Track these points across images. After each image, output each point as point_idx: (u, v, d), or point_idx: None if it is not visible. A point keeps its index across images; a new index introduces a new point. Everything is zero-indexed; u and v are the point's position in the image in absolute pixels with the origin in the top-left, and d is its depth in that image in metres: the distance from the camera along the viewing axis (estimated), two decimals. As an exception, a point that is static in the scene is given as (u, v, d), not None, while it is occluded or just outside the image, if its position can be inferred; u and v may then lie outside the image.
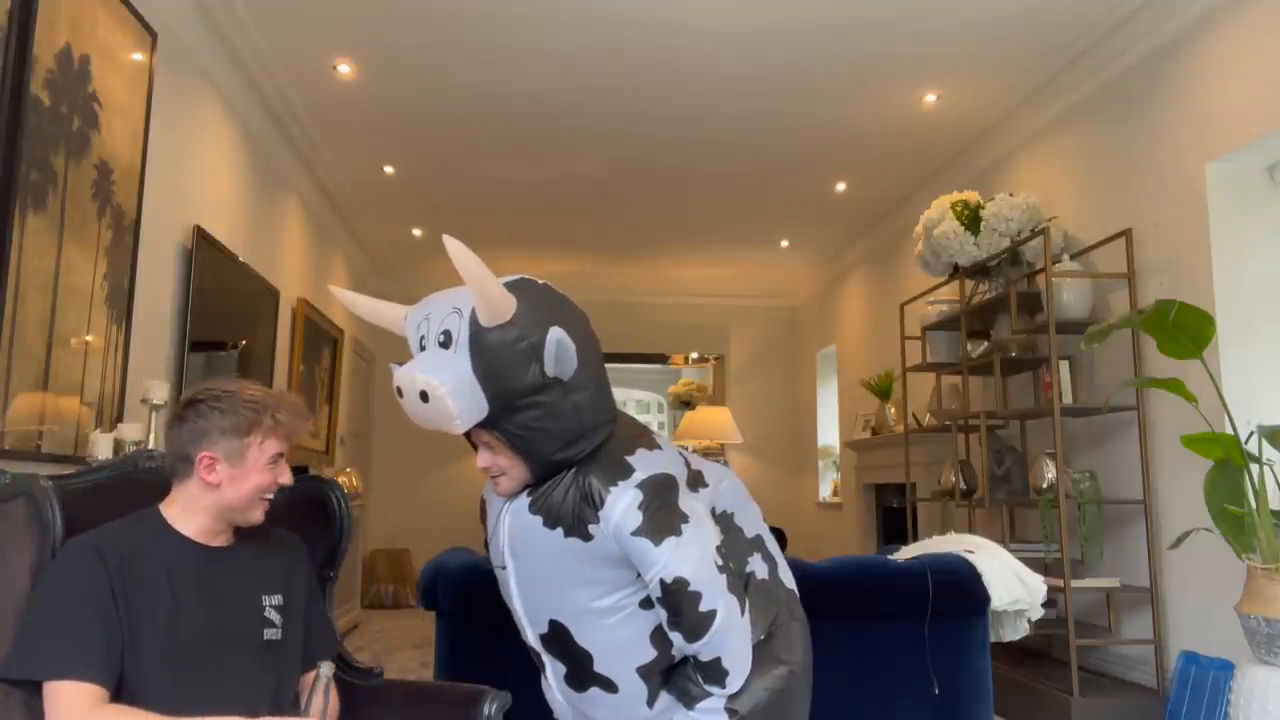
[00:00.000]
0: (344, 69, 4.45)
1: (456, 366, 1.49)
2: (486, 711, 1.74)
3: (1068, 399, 4.04)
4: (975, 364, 4.61)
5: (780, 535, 5.55)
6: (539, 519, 1.58)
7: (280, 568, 1.67)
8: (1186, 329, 2.77)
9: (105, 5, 3.02)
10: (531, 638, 1.67)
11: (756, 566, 1.71)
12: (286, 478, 1.62)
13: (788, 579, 1.77)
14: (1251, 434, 2.78)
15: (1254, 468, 2.71)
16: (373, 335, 8.23)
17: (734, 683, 1.59)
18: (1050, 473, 3.96)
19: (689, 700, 1.62)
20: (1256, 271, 3.49)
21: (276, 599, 1.63)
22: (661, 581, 1.53)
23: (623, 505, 1.52)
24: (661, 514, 1.53)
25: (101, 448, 2.71)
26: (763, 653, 1.64)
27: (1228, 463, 2.76)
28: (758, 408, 8.91)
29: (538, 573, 1.61)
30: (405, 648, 5.60)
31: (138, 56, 3.28)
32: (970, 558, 2.56)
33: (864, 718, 2.45)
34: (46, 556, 1.51)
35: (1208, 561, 3.41)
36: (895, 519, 6.54)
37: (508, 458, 1.57)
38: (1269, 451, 2.80)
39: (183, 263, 3.82)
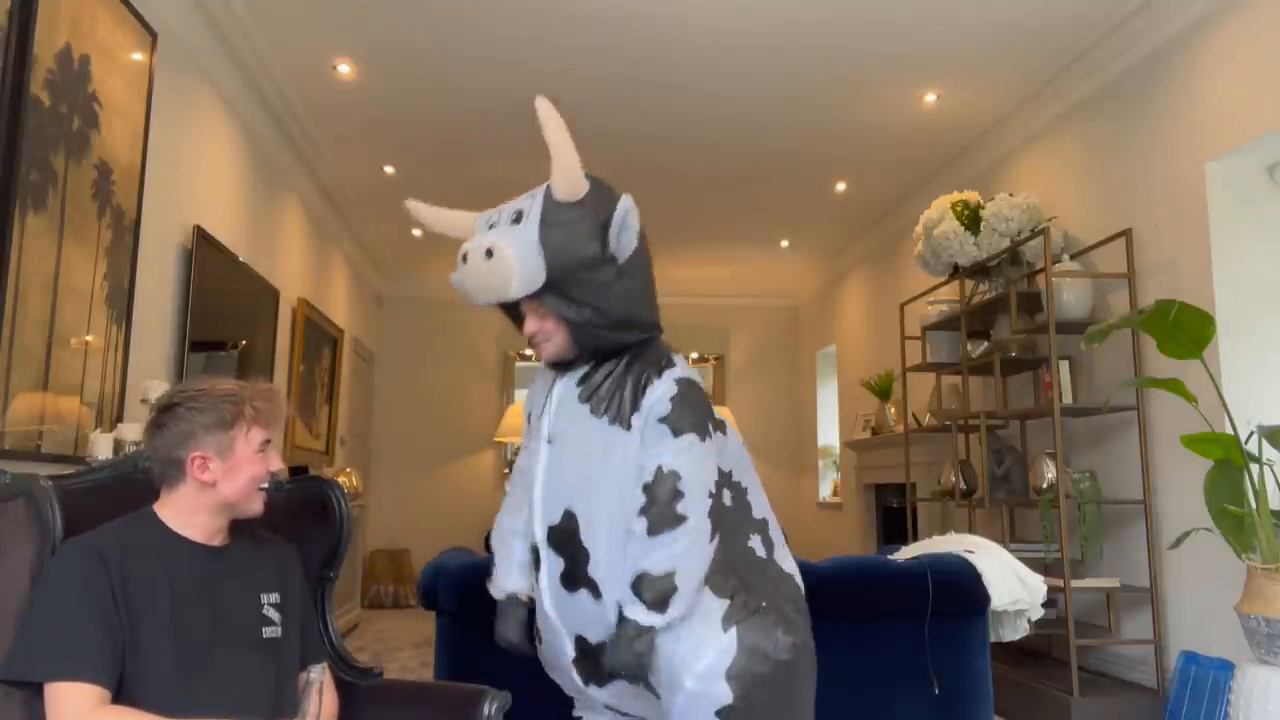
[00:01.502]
0: (344, 69, 4.45)
1: (524, 233, 1.59)
2: (486, 711, 1.73)
3: (1068, 399, 4.04)
4: (975, 364, 4.61)
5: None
6: (587, 407, 1.65)
7: (275, 567, 1.68)
8: (1186, 329, 2.78)
9: (105, 5, 3.02)
10: (539, 531, 1.67)
11: (755, 545, 1.73)
12: (277, 464, 1.62)
13: (787, 564, 1.77)
14: (1251, 434, 2.78)
15: (1254, 468, 2.71)
16: (373, 335, 8.23)
17: (675, 609, 1.55)
18: (1050, 473, 3.96)
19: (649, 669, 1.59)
20: (1256, 271, 3.49)
21: (274, 597, 1.63)
22: (658, 468, 1.57)
23: (660, 390, 1.62)
24: (690, 414, 1.60)
25: (101, 448, 2.71)
26: (761, 624, 1.62)
27: (1228, 463, 2.76)
28: (758, 408, 8.92)
29: (572, 456, 1.65)
30: (405, 648, 5.61)
31: (138, 56, 3.28)
32: (970, 558, 2.56)
33: (864, 718, 2.45)
34: (46, 556, 1.51)
35: (1208, 561, 3.41)
36: (895, 519, 6.54)
37: (554, 324, 1.65)
38: (1269, 451, 2.80)
39: (183, 263, 3.82)
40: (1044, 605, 2.63)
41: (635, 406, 1.62)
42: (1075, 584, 3.76)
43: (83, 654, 1.39)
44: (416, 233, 7.17)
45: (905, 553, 2.70)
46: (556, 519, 1.64)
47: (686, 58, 4.33)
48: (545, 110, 1.60)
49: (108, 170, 3.07)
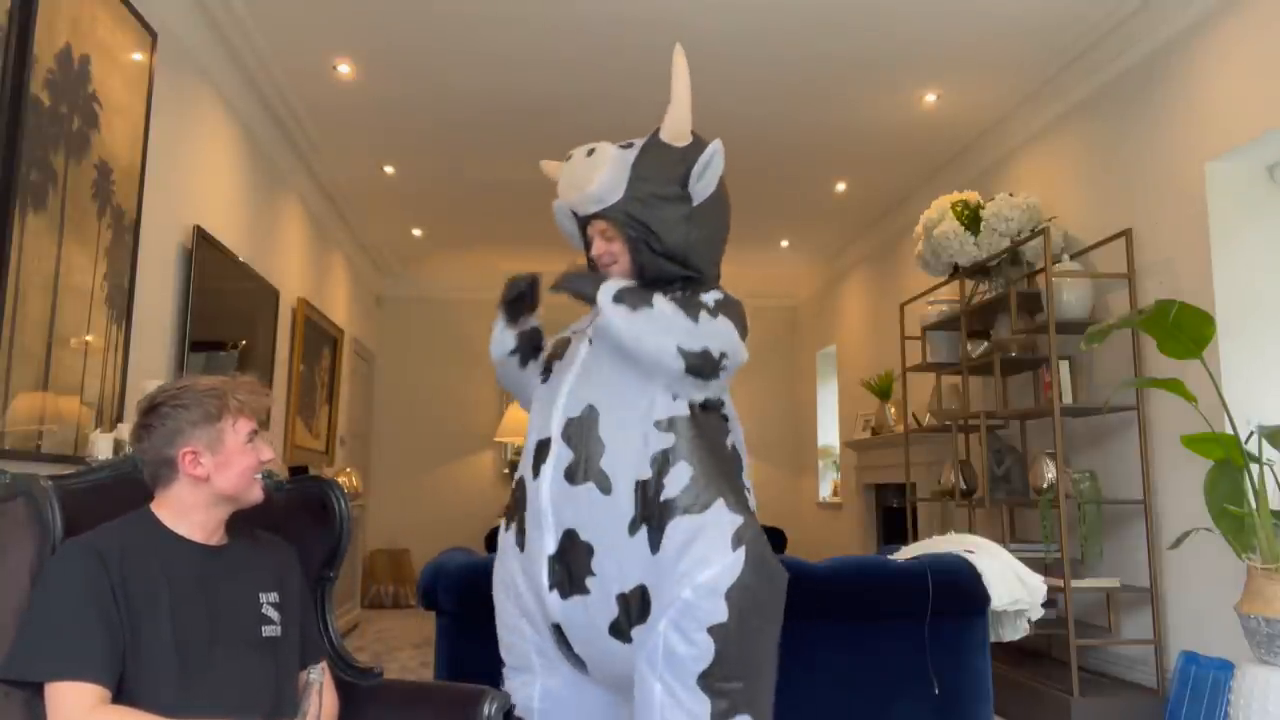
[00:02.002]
0: (344, 69, 4.45)
1: (625, 153, 1.80)
2: (486, 711, 1.73)
3: (1068, 399, 4.04)
4: (975, 364, 4.61)
5: (780, 536, 5.55)
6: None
7: (274, 566, 1.68)
8: (1186, 329, 2.78)
9: (105, 5, 3.02)
10: (556, 425, 1.72)
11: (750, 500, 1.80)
12: (267, 453, 1.62)
13: None
14: (1251, 434, 2.78)
15: (1254, 468, 2.71)
16: (373, 335, 8.23)
17: (621, 313, 1.68)
18: (1050, 473, 3.96)
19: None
20: (1256, 271, 3.48)
21: (273, 596, 1.63)
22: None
23: (712, 295, 1.78)
24: (735, 315, 1.76)
25: (101, 448, 2.71)
26: (767, 549, 1.65)
27: (1228, 463, 2.76)
28: (758, 408, 8.91)
29: (609, 353, 1.74)
30: (405, 648, 5.61)
31: (138, 56, 3.28)
32: (970, 558, 2.56)
33: (864, 718, 2.45)
34: (46, 556, 1.51)
35: (1208, 561, 3.41)
36: (895, 519, 6.54)
37: (620, 247, 1.80)
38: (1269, 451, 2.80)
39: (183, 263, 3.82)
40: (1044, 605, 2.62)
41: None
42: (1075, 584, 3.76)
43: (83, 654, 1.39)
44: (416, 232, 7.17)
45: (905, 553, 2.70)
46: (577, 411, 1.70)
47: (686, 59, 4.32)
48: (679, 62, 1.83)
49: (108, 170, 3.07)
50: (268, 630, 1.60)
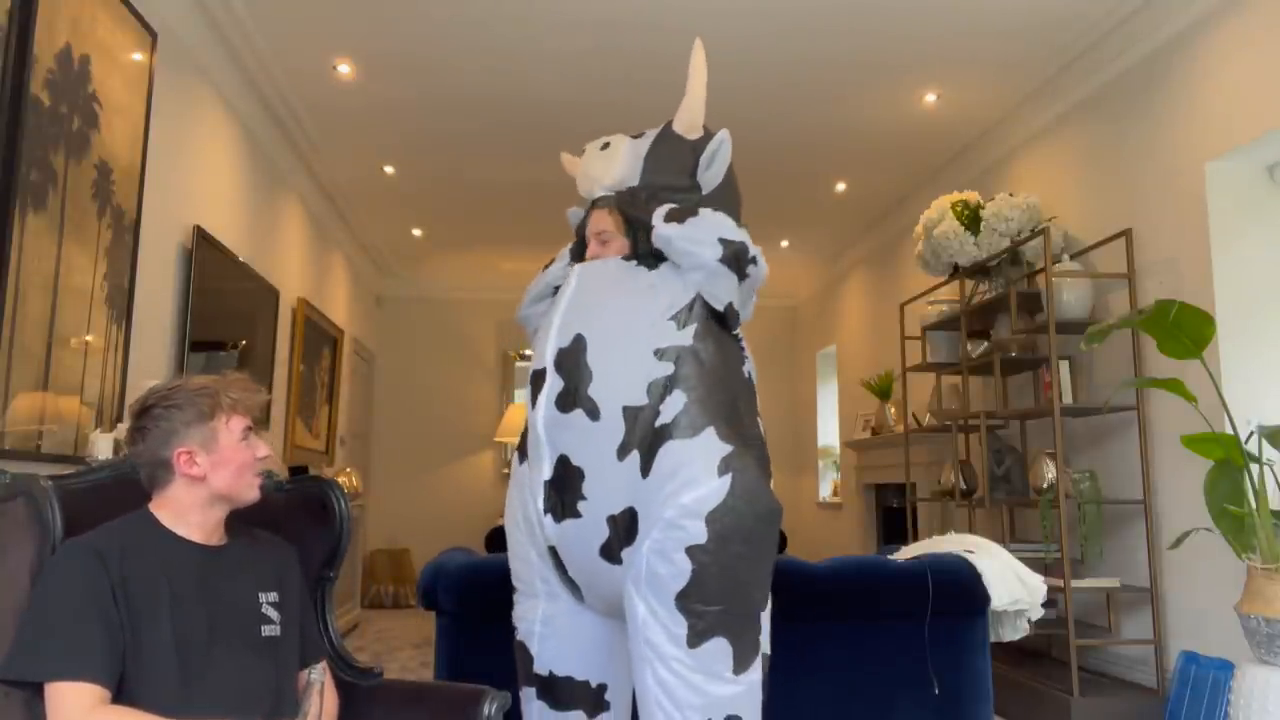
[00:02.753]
0: (344, 69, 4.45)
1: (638, 144, 1.90)
2: (486, 711, 1.73)
3: (1068, 399, 4.04)
4: (975, 364, 4.61)
5: (780, 536, 5.53)
6: (632, 262, 1.82)
7: (273, 566, 1.68)
8: (1186, 329, 2.77)
9: (105, 5, 3.02)
10: (550, 353, 1.75)
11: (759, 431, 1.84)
12: (263, 450, 1.63)
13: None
14: (1251, 434, 2.78)
15: (1254, 468, 2.71)
16: (373, 335, 8.23)
17: (670, 223, 1.76)
18: (1050, 473, 3.96)
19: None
20: (1256, 271, 3.49)
21: (273, 596, 1.63)
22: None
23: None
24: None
25: (101, 448, 2.71)
26: (757, 478, 1.67)
27: (1228, 463, 2.76)
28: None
29: (595, 284, 1.80)
30: (405, 648, 5.61)
31: (138, 56, 3.28)
32: (970, 558, 2.56)
33: (864, 718, 2.45)
34: (46, 556, 1.51)
35: (1208, 561, 3.41)
36: (895, 519, 6.54)
37: (616, 225, 1.85)
38: (1269, 451, 2.80)
39: (183, 263, 3.82)
40: (1044, 605, 2.63)
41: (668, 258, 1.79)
42: (1075, 584, 3.76)
43: (83, 653, 1.39)
44: (416, 232, 7.17)
45: (905, 553, 2.70)
46: (567, 341, 1.74)
47: (685, 59, 4.32)
48: (698, 56, 1.91)
49: (108, 170, 3.07)
50: (267, 630, 1.60)
